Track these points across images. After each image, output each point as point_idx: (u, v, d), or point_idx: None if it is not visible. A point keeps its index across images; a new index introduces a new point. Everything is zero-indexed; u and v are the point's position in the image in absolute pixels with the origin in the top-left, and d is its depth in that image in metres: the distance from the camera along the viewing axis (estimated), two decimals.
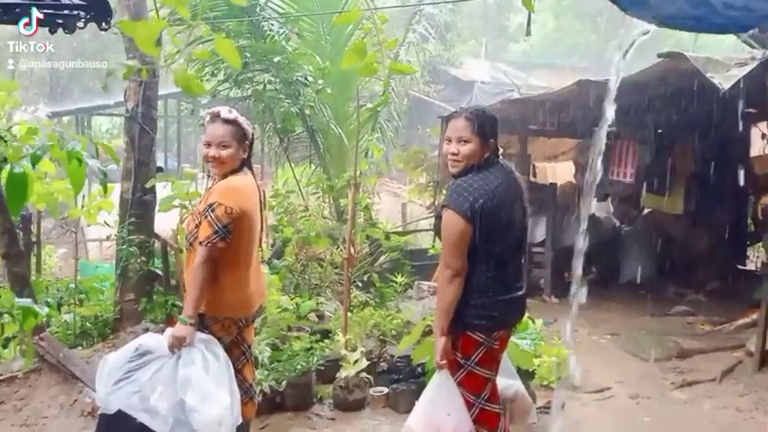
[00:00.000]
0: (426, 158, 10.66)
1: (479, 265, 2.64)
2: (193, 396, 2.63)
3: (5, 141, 3.00)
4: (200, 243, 2.72)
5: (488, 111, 2.89)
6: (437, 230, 2.82)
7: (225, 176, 2.91)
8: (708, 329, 5.99)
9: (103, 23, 1.57)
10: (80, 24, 1.50)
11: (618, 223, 8.76)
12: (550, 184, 8.20)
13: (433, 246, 9.22)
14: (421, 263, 8.53)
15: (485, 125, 2.74)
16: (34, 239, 6.48)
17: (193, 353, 2.70)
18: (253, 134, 3.04)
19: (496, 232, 2.64)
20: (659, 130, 7.14)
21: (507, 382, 3.07)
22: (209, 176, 3.07)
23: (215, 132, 2.88)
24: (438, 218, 2.78)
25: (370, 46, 7.41)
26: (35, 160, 1.21)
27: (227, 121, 2.89)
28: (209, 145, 2.88)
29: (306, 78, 6.91)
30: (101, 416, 2.73)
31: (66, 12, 1.49)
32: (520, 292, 2.82)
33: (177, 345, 2.68)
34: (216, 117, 2.91)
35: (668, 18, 1.59)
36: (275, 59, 6.98)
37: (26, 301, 1.88)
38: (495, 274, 2.68)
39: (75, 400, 4.15)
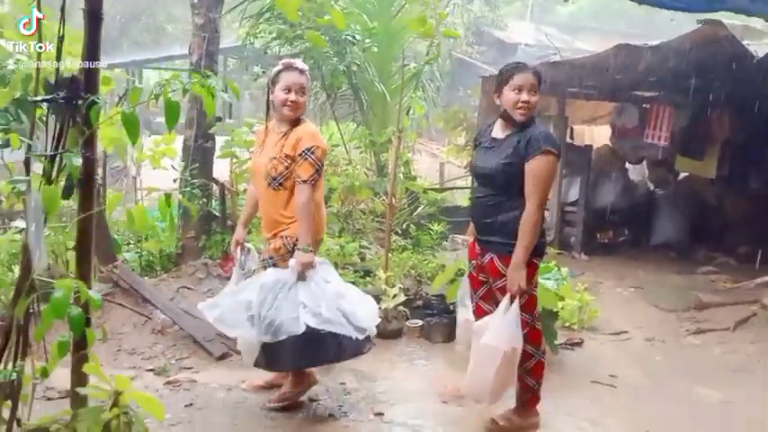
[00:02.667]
0: (466, 119, 10.91)
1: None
2: (349, 303, 3.23)
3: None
4: (305, 181, 3.19)
5: (531, 65, 3.21)
6: (497, 178, 3.09)
7: (295, 123, 3.31)
8: (729, 286, 6.26)
9: None
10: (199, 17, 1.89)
11: (652, 187, 8.95)
12: (586, 146, 8.41)
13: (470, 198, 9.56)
14: (456, 219, 8.95)
15: (537, 80, 3.09)
16: (100, 181, 7.04)
17: (323, 273, 3.26)
18: None
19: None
20: (696, 95, 7.27)
21: None
22: (266, 123, 3.48)
23: (295, 80, 3.27)
24: (510, 165, 3.03)
25: (418, 5, 7.67)
26: (183, 93, 1.59)
27: (302, 71, 3.30)
28: (288, 90, 3.25)
29: (353, 37, 7.22)
30: (289, 338, 3.12)
31: None
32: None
33: (307, 268, 3.17)
34: (292, 67, 3.30)
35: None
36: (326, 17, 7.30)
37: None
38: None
39: (146, 321, 4.71)
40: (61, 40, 1.64)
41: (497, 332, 3.03)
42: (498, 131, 3.20)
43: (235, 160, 5.90)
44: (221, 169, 6.19)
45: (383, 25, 7.86)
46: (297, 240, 3.22)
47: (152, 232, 6.28)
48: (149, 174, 7.19)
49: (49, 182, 1.53)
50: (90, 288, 1.57)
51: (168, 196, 1.92)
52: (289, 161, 3.22)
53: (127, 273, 5.14)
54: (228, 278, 5.66)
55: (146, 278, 5.56)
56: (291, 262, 3.18)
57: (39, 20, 1.75)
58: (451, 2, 8.87)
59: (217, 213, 5.86)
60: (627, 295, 6.17)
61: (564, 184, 8.05)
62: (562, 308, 4.65)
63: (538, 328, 3.20)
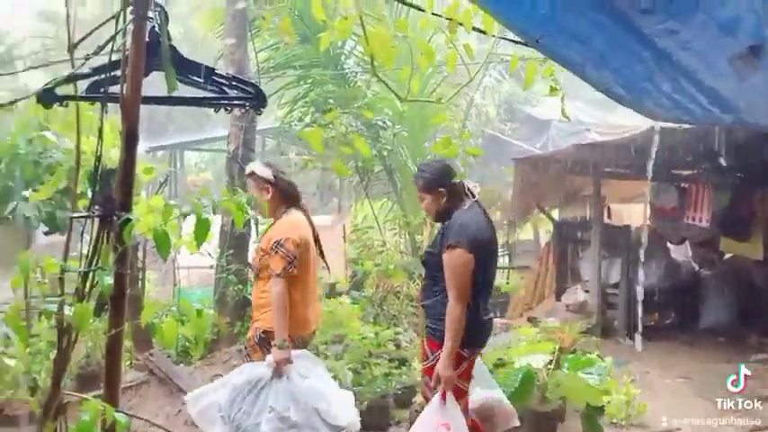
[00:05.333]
0: (500, 197, 10.89)
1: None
2: (324, 402, 3.08)
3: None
4: (278, 275, 3.17)
5: (431, 164, 3.27)
6: (426, 265, 3.19)
7: (277, 218, 3.40)
8: None
9: (260, 109, 2.01)
10: (240, 111, 1.96)
11: (697, 267, 8.68)
12: (625, 226, 8.26)
13: (507, 282, 9.43)
14: (495, 300, 8.78)
15: (428, 180, 3.14)
16: (140, 265, 7.17)
17: (300, 368, 3.14)
18: (277, 175, 3.41)
19: (487, 261, 3.03)
20: (735, 175, 7.13)
21: (489, 393, 3.36)
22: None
23: (251, 187, 3.45)
24: (431, 255, 3.11)
25: (448, 85, 7.82)
26: (214, 209, 1.61)
27: (250, 175, 3.44)
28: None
29: (384, 122, 7.37)
30: None
31: (235, 102, 1.95)
32: (492, 315, 3.26)
33: (283, 365, 3.09)
34: (246, 174, 3.49)
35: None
36: (356, 105, 7.51)
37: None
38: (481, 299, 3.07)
39: (179, 411, 4.64)
40: (100, 135, 1.68)
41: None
42: None
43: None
44: None
45: (416, 108, 8.02)
46: (265, 332, 3.21)
47: (188, 317, 6.30)
48: (185, 255, 7.25)
49: (81, 299, 1.52)
50: (117, 406, 1.53)
51: (200, 312, 1.89)
52: (263, 253, 3.30)
53: (162, 360, 5.12)
54: None
55: (180, 365, 5.53)
56: (269, 358, 3.12)
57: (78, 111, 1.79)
58: (482, 85, 9.02)
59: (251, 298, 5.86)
60: (676, 386, 5.85)
61: (604, 265, 7.87)
62: (608, 402, 4.42)
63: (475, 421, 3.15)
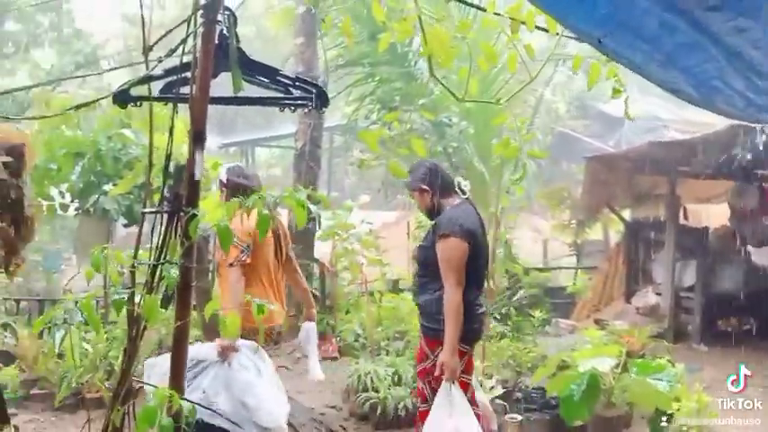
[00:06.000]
0: (570, 196, 10.64)
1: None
2: (254, 398, 3.02)
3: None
4: (230, 264, 3.16)
5: (419, 165, 3.38)
6: (419, 260, 3.29)
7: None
8: None
9: (322, 108, 2.06)
10: (305, 110, 2.01)
11: None
12: (703, 227, 7.92)
13: (574, 283, 9.22)
14: (560, 301, 8.60)
15: (413, 180, 3.30)
16: (211, 258, 7.42)
17: (242, 359, 3.11)
18: (230, 178, 3.39)
19: (477, 254, 3.10)
20: None
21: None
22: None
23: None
24: (424, 248, 3.20)
25: (516, 83, 7.73)
26: (274, 206, 1.67)
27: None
28: None
29: (449, 119, 7.34)
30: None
31: (298, 101, 2.00)
32: (484, 309, 3.32)
33: (228, 351, 3.09)
34: None
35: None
36: (420, 102, 7.51)
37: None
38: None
39: None
40: (171, 134, 1.75)
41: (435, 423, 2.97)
42: None
43: (336, 238, 6.05)
44: (323, 250, 6.35)
45: (482, 105, 7.94)
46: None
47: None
48: None
49: (150, 291, 1.60)
50: (183, 393, 1.60)
51: (261, 307, 1.95)
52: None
53: None
54: (326, 358, 5.72)
55: None
56: (217, 341, 3.11)
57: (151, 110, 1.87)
58: (552, 81, 8.84)
59: (316, 293, 5.97)
60: (755, 396, 5.56)
61: (678, 268, 7.57)
62: (678, 409, 4.25)
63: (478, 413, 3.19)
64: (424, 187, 3.24)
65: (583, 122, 18.52)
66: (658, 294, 7.78)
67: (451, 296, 2.98)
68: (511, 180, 6.07)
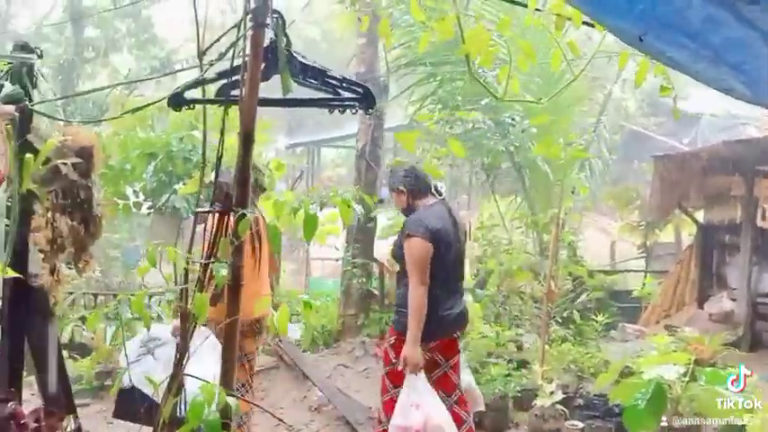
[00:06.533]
0: (639, 196, 10.28)
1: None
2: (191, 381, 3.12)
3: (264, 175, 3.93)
4: None
5: (396, 167, 3.58)
6: (397, 259, 3.39)
7: None
8: None
9: (369, 110, 2.08)
10: (352, 111, 2.03)
11: None
12: None
13: (643, 287, 8.89)
14: (627, 304, 8.30)
15: (391, 181, 3.47)
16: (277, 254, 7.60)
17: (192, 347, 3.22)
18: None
19: (444, 255, 3.21)
20: None
21: (467, 377, 3.74)
22: None
23: None
24: (398, 248, 3.31)
25: (583, 80, 7.51)
26: (320, 206, 1.70)
27: None
28: None
29: (513, 118, 7.22)
30: (119, 390, 3.31)
31: (347, 103, 2.03)
32: (455, 311, 3.34)
33: (177, 333, 3.20)
34: None
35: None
36: (483, 101, 7.41)
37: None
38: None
39: (305, 397, 4.88)
40: (222, 136, 1.80)
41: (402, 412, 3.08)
42: None
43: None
44: (383, 249, 6.37)
45: (547, 104, 7.77)
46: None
47: (317, 307, 6.59)
48: (320, 247, 7.57)
49: (201, 288, 1.65)
50: (232, 389, 1.64)
51: (307, 303, 1.98)
52: None
53: (291, 347, 5.40)
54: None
55: (307, 353, 5.80)
56: (173, 323, 3.32)
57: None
58: (621, 78, 8.56)
59: (376, 292, 6.01)
60: None
61: (754, 272, 7.18)
62: (749, 422, 4.03)
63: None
64: (401, 188, 3.40)
65: (655, 120, 17.84)
66: (733, 300, 7.41)
67: (414, 293, 3.11)
68: (583, 140, 5.88)
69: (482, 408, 3.99)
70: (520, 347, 5.35)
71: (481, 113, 7.54)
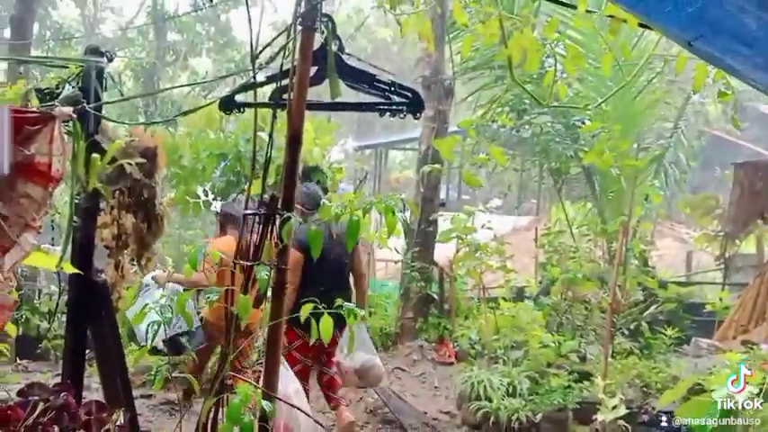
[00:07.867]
0: (719, 205, 9.75)
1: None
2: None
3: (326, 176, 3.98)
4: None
5: (304, 187, 4.10)
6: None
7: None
8: None
9: (417, 114, 2.07)
10: (401, 115, 2.02)
11: None
12: None
13: (720, 300, 8.44)
14: (702, 318, 7.89)
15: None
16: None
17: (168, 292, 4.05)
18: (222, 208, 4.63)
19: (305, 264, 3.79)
20: None
21: (368, 356, 4.01)
22: None
23: None
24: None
25: (661, 84, 7.20)
26: (365, 212, 1.69)
27: None
28: None
29: (582, 122, 7.01)
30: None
31: (394, 107, 2.02)
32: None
33: (158, 280, 4.21)
34: None
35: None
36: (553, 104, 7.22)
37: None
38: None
39: (361, 398, 4.89)
40: (270, 138, 1.82)
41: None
42: None
43: (460, 242, 5.98)
44: (443, 253, 6.32)
45: (621, 107, 7.51)
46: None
47: (376, 309, 6.61)
48: (384, 249, 7.56)
49: (245, 291, 1.68)
50: (275, 391, 1.66)
51: (352, 311, 1.98)
52: None
53: None
54: (443, 363, 5.69)
55: None
56: (158, 273, 4.24)
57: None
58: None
59: (435, 296, 5.96)
60: None
61: None
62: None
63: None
64: (298, 206, 3.59)
65: (741, 125, 16.93)
66: None
67: (288, 294, 3.38)
68: (658, 145, 5.63)
69: (387, 383, 4.48)
70: (583, 358, 5.18)
71: (550, 117, 7.36)
